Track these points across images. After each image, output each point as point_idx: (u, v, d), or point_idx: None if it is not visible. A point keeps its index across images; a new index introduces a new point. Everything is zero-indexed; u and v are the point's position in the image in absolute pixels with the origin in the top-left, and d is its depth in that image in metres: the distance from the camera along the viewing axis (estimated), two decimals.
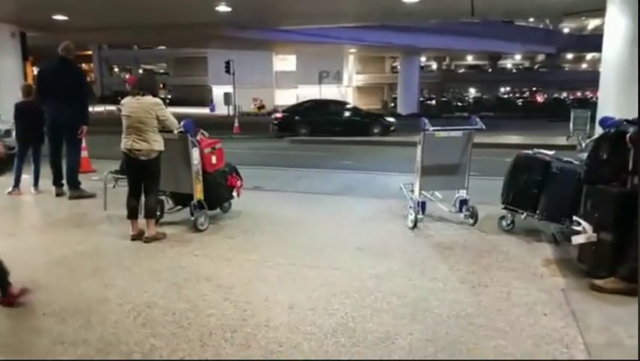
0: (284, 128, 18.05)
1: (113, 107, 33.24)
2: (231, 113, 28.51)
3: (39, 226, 5.56)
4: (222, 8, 14.11)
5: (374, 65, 47.60)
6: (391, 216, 5.47)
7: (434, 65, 53.44)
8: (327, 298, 3.31)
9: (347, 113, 19.05)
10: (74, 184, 6.50)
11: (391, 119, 19.36)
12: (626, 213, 3.30)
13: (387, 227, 5.09)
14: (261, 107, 41.89)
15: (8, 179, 6.77)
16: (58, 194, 6.55)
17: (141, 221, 4.65)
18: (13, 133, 7.24)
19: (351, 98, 46.48)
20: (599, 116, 8.71)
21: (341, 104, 20.94)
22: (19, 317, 3.07)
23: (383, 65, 48.62)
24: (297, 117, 18.48)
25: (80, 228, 5.13)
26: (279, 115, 19.56)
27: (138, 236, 4.59)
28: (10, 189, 6.67)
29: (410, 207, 5.10)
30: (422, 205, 5.05)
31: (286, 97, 45.42)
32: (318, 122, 17.85)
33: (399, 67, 39.70)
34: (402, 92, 37.09)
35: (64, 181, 6.57)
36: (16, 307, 3.15)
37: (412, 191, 5.21)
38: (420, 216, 5.01)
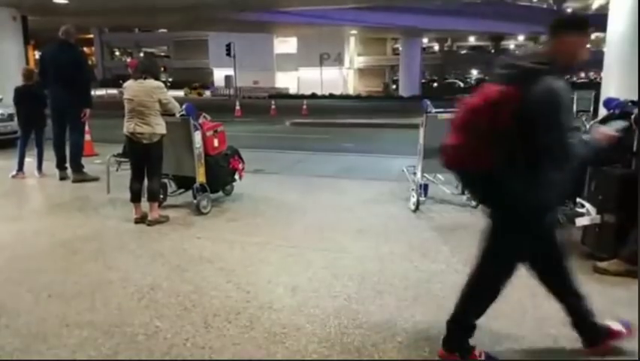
0: None
1: (114, 91, 33.17)
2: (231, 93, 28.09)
3: (43, 209, 5.58)
4: None
5: (375, 47, 47.18)
6: (393, 199, 5.47)
7: (436, 47, 52.91)
8: (329, 281, 3.32)
9: None
10: (77, 168, 6.51)
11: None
12: (630, 195, 3.29)
13: (389, 210, 5.09)
14: (199, 87, 35.41)
15: (12, 162, 6.82)
16: (62, 177, 6.57)
17: (144, 204, 4.67)
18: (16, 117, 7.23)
19: (352, 81, 46.21)
20: (603, 97, 8.63)
21: None
22: (23, 299, 3.10)
23: (384, 47, 48.20)
24: None
25: (83, 211, 5.15)
26: None
27: (141, 219, 4.61)
28: (13, 172, 6.70)
29: (412, 189, 5.09)
30: (424, 188, 5.04)
31: (287, 80, 45.21)
32: None
33: (400, 48, 39.34)
34: (403, 74, 36.83)
35: (67, 165, 6.59)
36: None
37: (415, 173, 5.20)
38: (422, 198, 5.01)
